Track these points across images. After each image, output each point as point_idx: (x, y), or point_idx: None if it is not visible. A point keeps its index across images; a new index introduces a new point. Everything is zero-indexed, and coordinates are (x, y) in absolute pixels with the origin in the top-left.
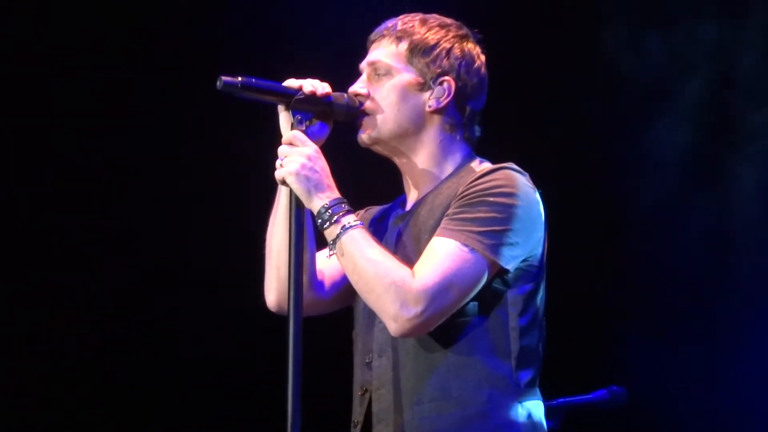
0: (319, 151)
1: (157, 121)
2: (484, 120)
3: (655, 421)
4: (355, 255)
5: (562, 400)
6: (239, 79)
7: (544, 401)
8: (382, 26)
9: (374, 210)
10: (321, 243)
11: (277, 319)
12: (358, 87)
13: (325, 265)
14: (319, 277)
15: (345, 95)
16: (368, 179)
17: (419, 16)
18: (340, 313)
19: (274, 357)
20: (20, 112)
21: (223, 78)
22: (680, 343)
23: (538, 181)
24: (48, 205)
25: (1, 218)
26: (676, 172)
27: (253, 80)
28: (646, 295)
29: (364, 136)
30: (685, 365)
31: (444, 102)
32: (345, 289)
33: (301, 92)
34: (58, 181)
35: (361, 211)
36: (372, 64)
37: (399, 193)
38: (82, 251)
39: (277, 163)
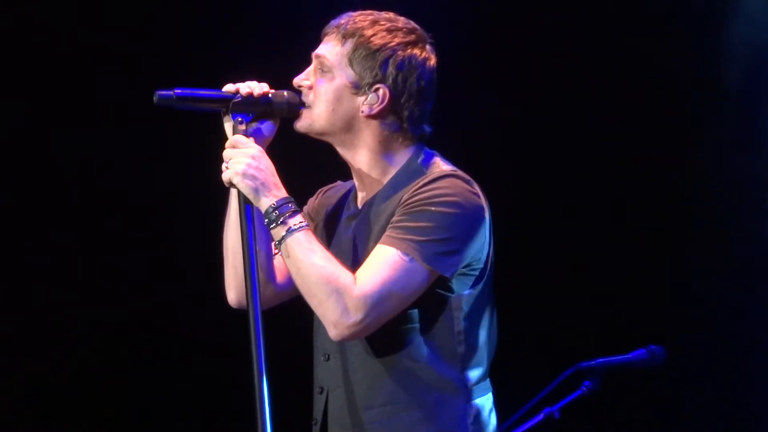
0: (263, 151)
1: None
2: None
3: (693, 380)
4: (299, 259)
5: (601, 360)
6: (174, 91)
7: (582, 362)
8: (336, 20)
9: (330, 194)
10: None
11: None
12: (302, 78)
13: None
14: (277, 268)
15: (285, 93)
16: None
17: (372, 15)
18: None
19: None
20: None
21: (158, 92)
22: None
23: None
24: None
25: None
26: None
27: (188, 91)
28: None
29: (299, 125)
30: (722, 324)
31: (377, 109)
32: None
33: (237, 95)
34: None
35: (314, 199)
36: (318, 57)
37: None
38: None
39: (223, 166)
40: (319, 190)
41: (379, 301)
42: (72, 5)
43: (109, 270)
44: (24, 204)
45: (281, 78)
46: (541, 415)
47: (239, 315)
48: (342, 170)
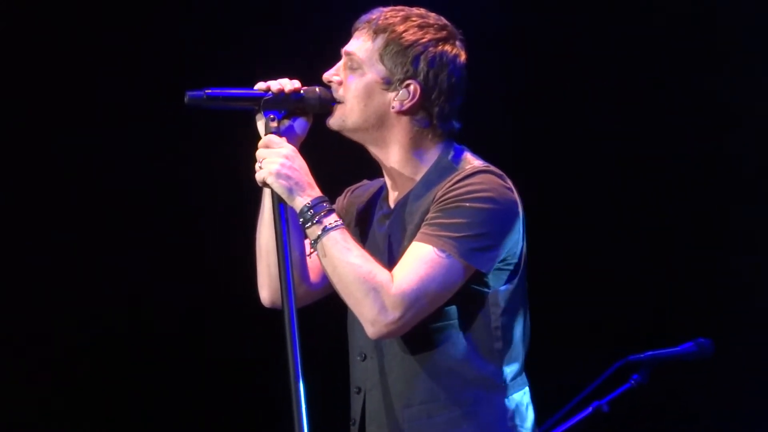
0: (296, 150)
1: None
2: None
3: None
4: (335, 258)
5: (649, 353)
6: (205, 91)
7: (631, 356)
8: (367, 15)
9: (359, 194)
10: None
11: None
12: (332, 73)
13: (314, 255)
14: (310, 267)
15: (317, 88)
16: (354, 162)
17: (403, 11)
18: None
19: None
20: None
21: (188, 93)
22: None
23: None
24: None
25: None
26: None
27: (219, 90)
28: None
29: (331, 122)
30: None
31: (407, 105)
32: None
33: (269, 93)
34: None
35: (342, 198)
36: (348, 54)
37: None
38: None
39: (256, 166)
40: (347, 189)
41: (416, 298)
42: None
43: (140, 271)
44: (50, 201)
45: (309, 76)
46: (590, 409)
47: (274, 314)
48: (367, 169)
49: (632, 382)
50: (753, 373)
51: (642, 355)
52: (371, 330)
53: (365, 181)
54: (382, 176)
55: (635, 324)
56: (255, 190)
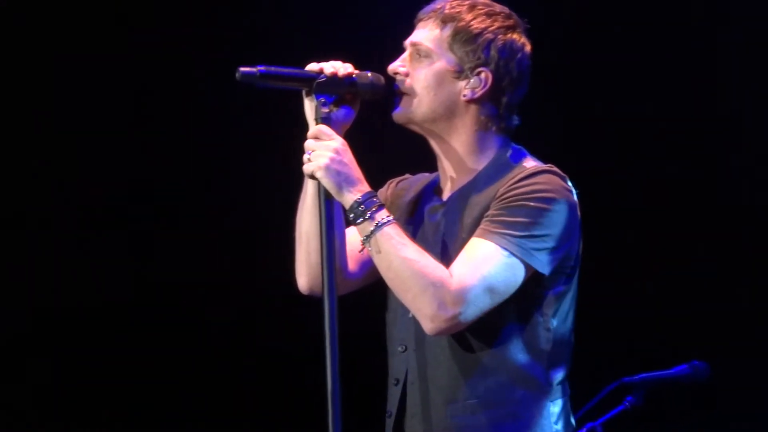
0: (346, 143)
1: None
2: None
3: (737, 396)
4: (391, 254)
5: (644, 375)
6: (258, 68)
7: (625, 378)
8: (431, 6)
9: (405, 186)
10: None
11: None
12: (398, 65)
13: (354, 244)
14: (348, 256)
15: (369, 74)
16: (397, 153)
17: (468, 0)
18: (378, 298)
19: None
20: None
21: (241, 69)
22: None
23: None
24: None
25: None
26: None
27: (272, 68)
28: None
29: (398, 115)
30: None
31: (479, 93)
32: (374, 267)
33: (322, 75)
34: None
35: (385, 189)
36: (414, 44)
37: (427, 169)
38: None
39: (305, 157)
40: (390, 181)
41: (478, 294)
42: None
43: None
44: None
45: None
46: (584, 430)
47: (311, 302)
48: (408, 163)
49: (626, 404)
50: (748, 396)
51: (636, 377)
52: (430, 326)
53: (408, 175)
54: (422, 170)
55: (630, 345)
56: (293, 174)
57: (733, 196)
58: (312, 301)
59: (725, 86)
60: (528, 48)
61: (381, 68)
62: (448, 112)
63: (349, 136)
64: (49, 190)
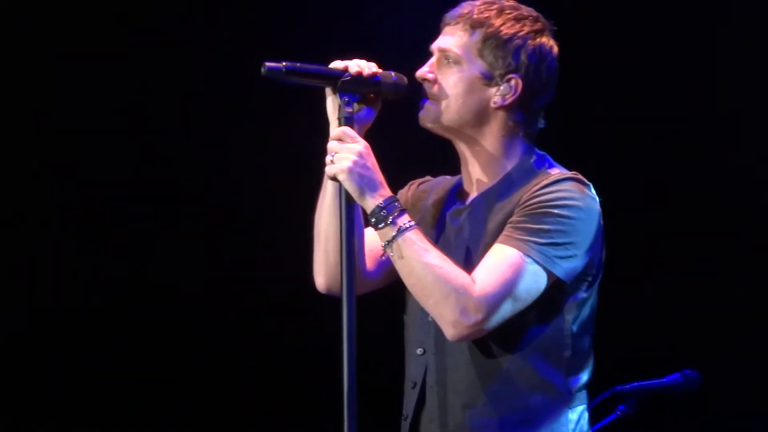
0: (368, 146)
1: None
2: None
3: (729, 405)
4: (413, 259)
5: (635, 384)
6: (283, 64)
7: (617, 386)
8: (458, 10)
9: (426, 188)
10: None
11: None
12: (426, 71)
13: (372, 245)
14: (367, 256)
15: (392, 74)
16: (417, 154)
17: (496, 4)
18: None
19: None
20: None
21: (267, 64)
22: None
23: None
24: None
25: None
26: None
27: (298, 64)
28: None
29: (425, 120)
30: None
31: (509, 100)
32: (393, 267)
33: (347, 73)
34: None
35: (406, 190)
36: (443, 50)
37: (448, 172)
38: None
39: (327, 159)
40: (411, 183)
41: (500, 301)
42: None
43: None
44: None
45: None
46: None
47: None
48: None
49: (618, 412)
50: (748, 396)
51: (628, 386)
52: (451, 332)
53: (428, 177)
54: (442, 172)
55: (630, 345)
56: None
57: (733, 196)
58: (312, 301)
59: (725, 86)
60: (555, 50)
61: (381, 68)
62: (477, 119)
63: (369, 136)
64: (49, 190)
